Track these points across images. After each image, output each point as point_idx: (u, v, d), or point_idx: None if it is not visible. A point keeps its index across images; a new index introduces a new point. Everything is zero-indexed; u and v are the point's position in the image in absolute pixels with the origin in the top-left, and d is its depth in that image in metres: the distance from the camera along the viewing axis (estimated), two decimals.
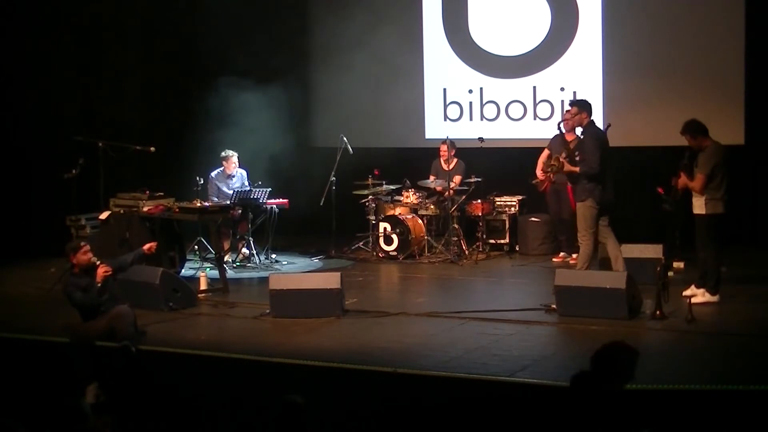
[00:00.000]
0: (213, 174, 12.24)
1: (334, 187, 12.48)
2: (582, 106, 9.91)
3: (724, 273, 9.44)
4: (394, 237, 12.10)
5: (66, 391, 7.53)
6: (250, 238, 11.97)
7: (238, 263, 11.88)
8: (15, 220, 12.79)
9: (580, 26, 12.98)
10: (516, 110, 13.41)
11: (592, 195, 9.64)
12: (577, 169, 9.78)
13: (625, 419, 4.99)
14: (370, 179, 12.30)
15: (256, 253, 11.95)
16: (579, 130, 10.07)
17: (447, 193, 12.16)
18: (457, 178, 12.38)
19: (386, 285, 11.29)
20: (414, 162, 13.26)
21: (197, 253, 12.03)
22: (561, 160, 10.10)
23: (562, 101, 13.01)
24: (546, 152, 11.93)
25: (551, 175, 11.59)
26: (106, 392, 7.60)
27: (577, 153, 10.22)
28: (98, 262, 8.14)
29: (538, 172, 11.85)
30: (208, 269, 10.84)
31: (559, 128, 11.15)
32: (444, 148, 12.36)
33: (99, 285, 8.03)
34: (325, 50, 14.28)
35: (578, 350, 7.98)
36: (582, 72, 12.96)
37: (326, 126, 13.93)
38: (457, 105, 13.75)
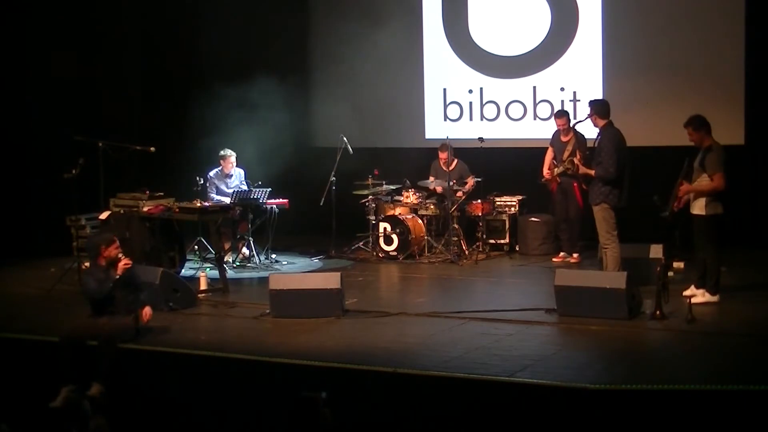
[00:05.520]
0: (211, 174, 12.24)
1: (334, 187, 12.48)
2: (593, 107, 9.88)
3: (724, 273, 9.43)
4: (394, 237, 12.10)
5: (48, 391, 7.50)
6: (250, 238, 11.96)
7: (238, 263, 11.88)
8: (15, 220, 12.78)
9: (580, 26, 12.98)
10: (516, 110, 13.41)
11: (608, 199, 9.62)
12: (592, 172, 9.75)
13: None
14: (370, 179, 12.30)
15: (256, 253, 11.94)
16: (595, 132, 10.02)
17: (458, 194, 12.19)
18: (471, 179, 12.36)
19: (386, 285, 11.29)
20: (414, 162, 13.26)
21: (197, 253, 12.03)
22: (576, 162, 10.07)
23: (562, 101, 13.02)
24: (550, 151, 11.94)
25: (558, 177, 11.64)
26: (81, 395, 7.54)
27: (579, 154, 10.22)
28: (121, 256, 8.26)
29: (545, 172, 11.87)
30: (208, 269, 10.84)
31: (574, 129, 11.20)
32: (444, 156, 12.32)
33: (118, 277, 8.15)
34: (325, 50, 14.28)
35: (578, 350, 8.00)
36: (582, 72, 12.96)
37: (326, 126, 13.92)
38: (457, 105, 13.75)
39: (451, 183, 12.15)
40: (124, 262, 8.23)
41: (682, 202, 9.19)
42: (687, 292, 9.17)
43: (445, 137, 12.45)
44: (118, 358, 7.92)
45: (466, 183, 12.41)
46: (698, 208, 9.11)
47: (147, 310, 8.39)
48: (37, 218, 12.90)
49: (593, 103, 10.01)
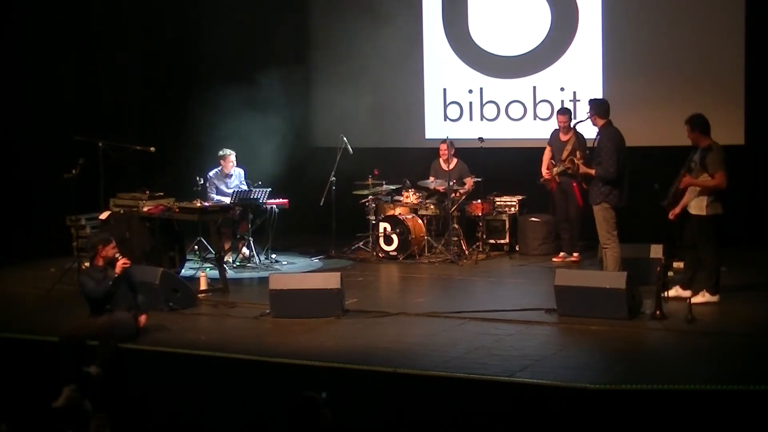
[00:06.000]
0: (211, 174, 12.24)
1: (334, 187, 12.48)
2: (592, 107, 9.86)
3: (724, 273, 9.42)
4: (394, 237, 12.10)
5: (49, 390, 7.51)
6: (250, 239, 11.96)
7: (238, 263, 11.88)
8: (15, 220, 12.78)
9: (580, 26, 12.98)
10: (516, 110, 13.41)
11: (607, 199, 9.61)
12: (592, 171, 9.75)
13: None
14: (370, 179, 12.30)
15: (256, 253, 11.94)
16: (595, 131, 10.00)
17: (456, 193, 12.18)
18: (469, 180, 12.36)
19: (386, 285, 11.29)
20: (414, 162, 13.26)
21: (197, 253, 12.03)
22: (576, 161, 10.05)
23: (562, 101, 13.02)
24: (548, 150, 11.94)
25: (557, 177, 11.64)
26: (84, 394, 7.54)
27: (579, 154, 10.19)
28: (119, 256, 8.30)
29: (544, 171, 11.86)
30: (208, 269, 10.84)
31: (574, 128, 11.21)
32: (444, 147, 12.36)
33: (116, 276, 8.20)
34: (325, 50, 14.28)
35: (578, 350, 8.00)
36: (582, 72, 12.96)
37: (326, 126, 13.93)
38: (457, 105, 13.75)
39: (451, 183, 12.14)
40: (122, 261, 8.27)
41: (674, 215, 9.15)
42: (671, 293, 9.14)
43: (445, 137, 12.45)
44: (117, 352, 7.94)
45: (465, 183, 12.40)
46: (698, 208, 9.09)
47: (143, 318, 8.46)
48: (37, 218, 12.90)
49: (593, 103, 10.00)
